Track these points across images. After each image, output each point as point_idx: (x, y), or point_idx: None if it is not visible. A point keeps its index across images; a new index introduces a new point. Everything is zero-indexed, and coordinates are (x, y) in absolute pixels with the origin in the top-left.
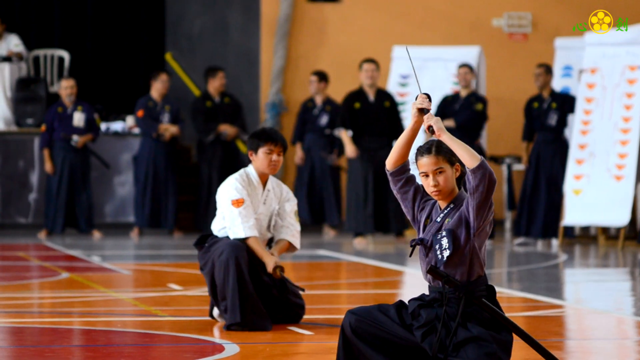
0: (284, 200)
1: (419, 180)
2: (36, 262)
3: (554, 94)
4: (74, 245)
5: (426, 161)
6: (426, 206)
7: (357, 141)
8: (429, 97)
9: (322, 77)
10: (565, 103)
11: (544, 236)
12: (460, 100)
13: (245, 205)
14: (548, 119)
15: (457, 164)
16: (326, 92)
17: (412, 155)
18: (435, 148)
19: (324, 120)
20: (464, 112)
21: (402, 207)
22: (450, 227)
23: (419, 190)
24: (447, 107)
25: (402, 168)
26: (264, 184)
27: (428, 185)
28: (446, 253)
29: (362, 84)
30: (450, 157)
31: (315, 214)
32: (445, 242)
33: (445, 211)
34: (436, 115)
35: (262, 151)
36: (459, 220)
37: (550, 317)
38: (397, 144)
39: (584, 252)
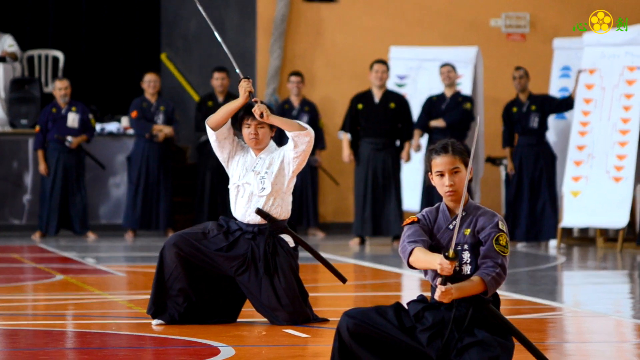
0: (285, 153)
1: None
2: (30, 264)
3: (532, 97)
4: (68, 247)
5: (442, 160)
6: (427, 218)
7: (358, 142)
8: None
9: (302, 77)
10: (545, 104)
11: (529, 240)
12: (446, 100)
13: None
14: (529, 122)
15: (471, 167)
16: (303, 93)
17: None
18: (451, 147)
19: (304, 120)
20: (454, 112)
21: None
22: (472, 242)
23: (426, 231)
24: (434, 107)
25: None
26: (259, 154)
27: (443, 185)
28: (467, 268)
29: (371, 84)
30: (465, 158)
31: (295, 216)
32: (467, 256)
33: (459, 218)
34: (422, 115)
35: (243, 125)
36: (478, 241)
37: (548, 319)
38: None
39: (582, 254)
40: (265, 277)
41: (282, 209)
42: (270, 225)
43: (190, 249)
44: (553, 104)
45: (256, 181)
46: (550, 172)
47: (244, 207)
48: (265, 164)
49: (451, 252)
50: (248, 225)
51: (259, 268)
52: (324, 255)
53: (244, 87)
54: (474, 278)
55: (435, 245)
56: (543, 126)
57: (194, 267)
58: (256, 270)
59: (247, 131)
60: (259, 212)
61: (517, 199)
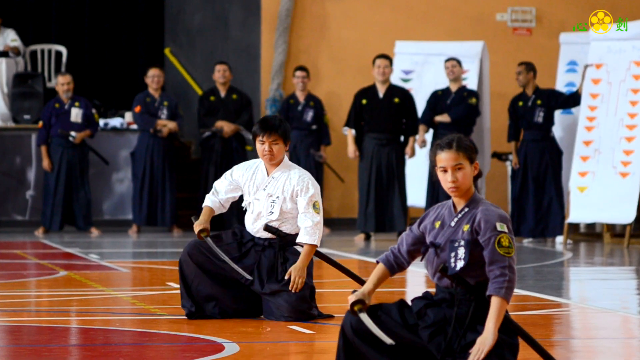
0: (297, 194)
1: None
2: (33, 260)
3: (538, 91)
4: (72, 243)
5: (446, 156)
6: (430, 215)
7: (363, 138)
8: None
9: (307, 72)
10: (551, 99)
11: (535, 235)
12: (451, 95)
13: (221, 180)
14: (535, 117)
15: (477, 162)
16: (308, 88)
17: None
18: (456, 143)
19: (309, 116)
20: (459, 107)
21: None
22: (469, 238)
23: (415, 237)
24: (439, 102)
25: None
26: (272, 171)
27: (446, 180)
28: (460, 263)
29: (375, 79)
30: (470, 155)
31: None
32: (461, 252)
33: (460, 215)
34: (427, 110)
35: (257, 141)
36: (475, 239)
37: (555, 315)
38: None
39: (589, 250)
40: (271, 279)
41: (292, 226)
42: (280, 240)
43: (203, 257)
44: (560, 99)
45: (267, 203)
46: (556, 168)
47: (252, 224)
48: (279, 187)
49: (360, 315)
50: (259, 238)
51: (264, 276)
52: (327, 251)
53: None
54: (493, 302)
55: (434, 247)
56: (548, 121)
57: (213, 272)
58: (261, 280)
59: (261, 147)
60: (267, 228)
61: (522, 195)
